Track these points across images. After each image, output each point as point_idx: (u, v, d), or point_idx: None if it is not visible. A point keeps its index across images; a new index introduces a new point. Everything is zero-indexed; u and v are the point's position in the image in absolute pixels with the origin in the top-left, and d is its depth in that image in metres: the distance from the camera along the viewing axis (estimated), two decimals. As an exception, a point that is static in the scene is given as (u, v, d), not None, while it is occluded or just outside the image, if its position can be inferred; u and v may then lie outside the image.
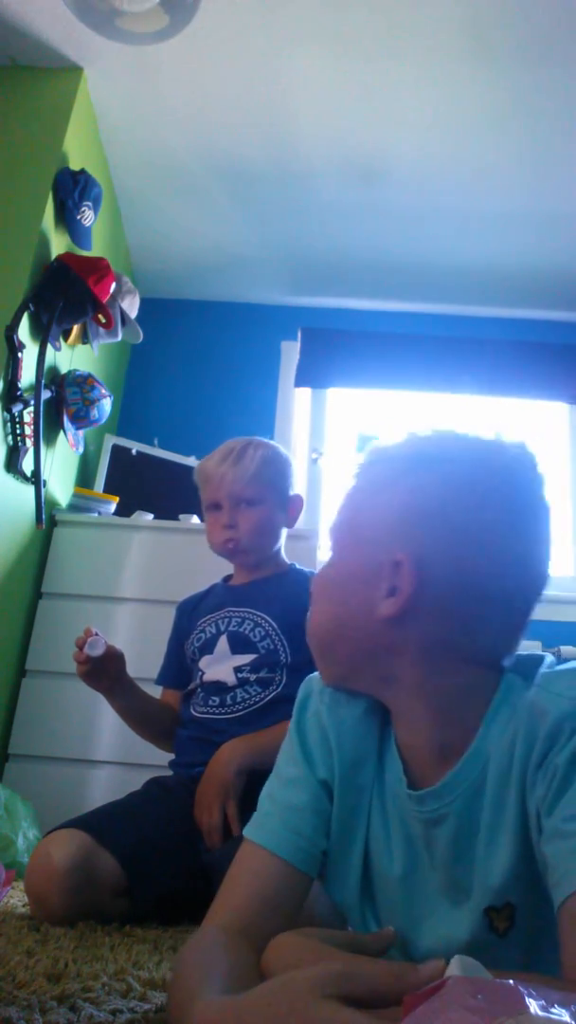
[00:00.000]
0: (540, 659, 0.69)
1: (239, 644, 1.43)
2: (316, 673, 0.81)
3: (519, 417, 3.14)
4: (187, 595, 1.61)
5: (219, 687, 1.40)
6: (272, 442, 1.56)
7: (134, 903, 1.15)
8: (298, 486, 1.55)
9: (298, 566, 1.58)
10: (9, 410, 1.99)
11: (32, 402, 2.04)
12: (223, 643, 1.44)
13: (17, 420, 2.02)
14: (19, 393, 2.00)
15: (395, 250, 2.93)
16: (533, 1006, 0.38)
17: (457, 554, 0.66)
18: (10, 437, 2.02)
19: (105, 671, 1.38)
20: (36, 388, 2.06)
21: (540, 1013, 0.38)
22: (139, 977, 0.77)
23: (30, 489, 2.10)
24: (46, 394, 2.14)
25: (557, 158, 2.47)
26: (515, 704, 0.66)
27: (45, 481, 2.18)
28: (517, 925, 0.64)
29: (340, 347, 3.10)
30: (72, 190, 2.22)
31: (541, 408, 3.14)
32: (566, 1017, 0.38)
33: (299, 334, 3.13)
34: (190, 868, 1.21)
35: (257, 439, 1.54)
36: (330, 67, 2.21)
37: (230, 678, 1.40)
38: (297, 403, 3.16)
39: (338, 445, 3.10)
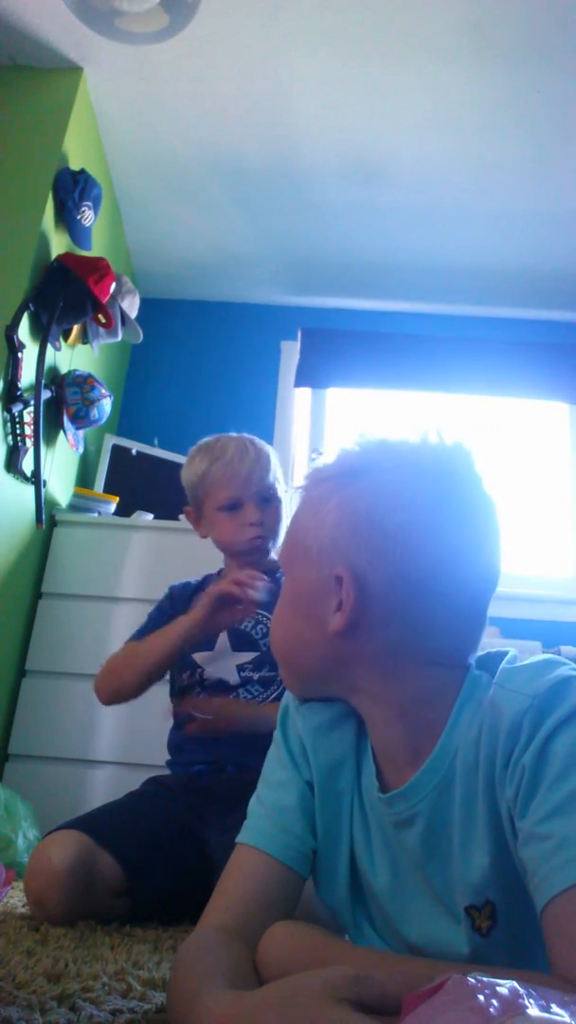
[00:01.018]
0: (503, 655, 0.70)
1: (240, 641, 1.42)
2: None
3: (519, 417, 3.14)
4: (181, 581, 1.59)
5: (221, 686, 1.39)
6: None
7: (134, 903, 1.15)
8: (298, 475, 1.58)
9: None
10: (9, 410, 1.99)
11: (32, 402, 2.04)
12: (223, 640, 1.43)
13: (17, 420, 2.02)
14: (19, 393, 2.00)
15: (395, 250, 2.93)
16: (533, 1006, 0.38)
17: (392, 560, 0.66)
18: (10, 437, 2.02)
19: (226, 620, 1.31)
20: (36, 388, 2.06)
21: (540, 1013, 0.38)
22: (139, 977, 0.77)
23: (30, 489, 2.10)
24: (46, 394, 2.14)
25: (557, 158, 2.47)
26: (480, 701, 0.66)
27: (45, 481, 2.18)
28: (499, 924, 0.63)
29: (340, 347, 3.10)
30: (72, 190, 2.22)
31: (541, 408, 3.14)
32: (566, 1017, 0.38)
33: (299, 334, 3.13)
34: (190, 868, 1.21)
35: (245, 435, 1.53)
36: (330, 67, 2.21)
37: (232, 677, 1.39)
38: (297, 403, 3.16)
39: (338, 445, 3.10)
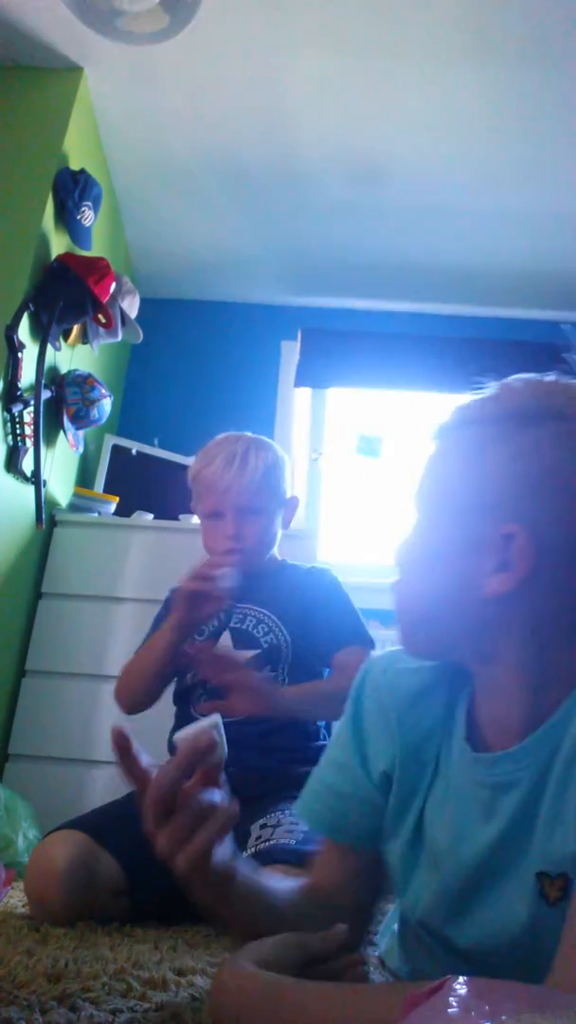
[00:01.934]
0: None
1: (242, 641, 1.43)
2: (376, 655, 0.80)
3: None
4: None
5: (223, 688, 1.39)
6: (268, 440, 1.55)
7: (134, 903, 1.14)
8: (297, 485, 1.57)
9: (291, 561, 1.58)
10: (9, 410, 1.99)
11: (32, 402, 2.04)
12: (224, 639, 1.44)
13: (17, 420, 2.02)
14: (19, 393, 2.00)
15: (395, 250, 2.93)
16: (531, 1009, 0.38)
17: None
18: (10, 437, 2.02)
19: (207, 615, 1.36)
20: (36, 388, 2.06)
21: (538, 1016, 0.38)
22: (139, 977, 0.77)
23: (30, 489, 2.10)
24: (46, 394, 2.14)
25: (557, 158, 2.47)
26: None
27: (45, 481, 2.18)
28: (569, 897, 0.60)
29: (340, 347, 3.10)
30: (72, 190, 2.22)
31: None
32: (563, 1020, 0.38)
33: (299, 334, 3.13)
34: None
35: (254, 439, 1.52)
36: (330, 67, 2.21)
37: None
38: (297, 403, 3.16)
39: (338, 445, 3.10)
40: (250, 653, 1.36)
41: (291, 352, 3.17)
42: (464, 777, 0.68)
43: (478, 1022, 0.37)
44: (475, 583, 0.63)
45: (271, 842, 1.09)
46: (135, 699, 1.42)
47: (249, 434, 1.53)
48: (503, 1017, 0.37)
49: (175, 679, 1.47)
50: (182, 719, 1.44)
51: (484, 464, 0.64)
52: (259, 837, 1.12)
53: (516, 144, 2.43)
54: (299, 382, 3.09)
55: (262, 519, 1.47)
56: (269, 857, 1.04)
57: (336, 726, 0.81)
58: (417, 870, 0.73)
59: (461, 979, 0.42)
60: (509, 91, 2.25)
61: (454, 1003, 0.39)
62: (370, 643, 1.43)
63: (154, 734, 1.50)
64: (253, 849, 1.10)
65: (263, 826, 1.15)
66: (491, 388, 0.68)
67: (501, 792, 0.65)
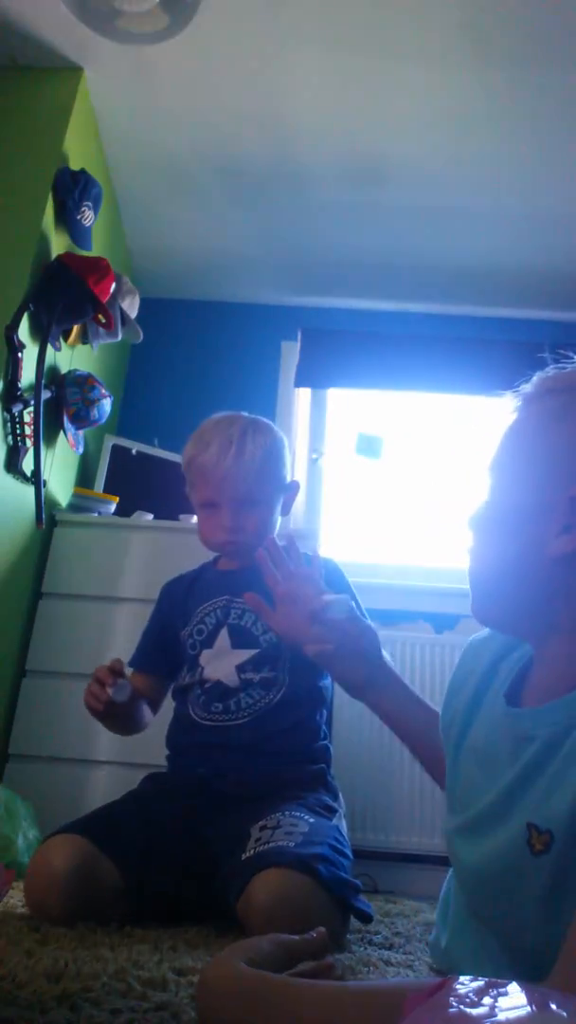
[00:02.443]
0: None
1: (240, 638, 1.38)
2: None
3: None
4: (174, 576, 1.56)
5: (221, 690, 1.35)
6: (265, 421, 1.47)
7: (134, 905, 1.14)
8: (298, 475, 1.53)
9: None
10: (9, 410, 1.99)
11: (32, 402, 2.04)
12: (223, 637, 1.39)
13: (17, 420, 2.02)
14: (19, 393, 2.00)
15: (395, 250, 2.93)
16: (532, 1007, 0.38)
17: None
18: (10, 437, 2.02)
19: (116, 713, 1.29)
20: (36, 388, 2.06)
21: (539, 1013, 0.38)
22: (139, 977, 0.77)
23: (30, 489, 2.10)
24: (46, 394, 2.14)
25: (557, 158, 2.47)
26: None
27: (45, 481, 2.18)
28: (550, 855, 0.64)
29: (340, 347, 3.10)
30: (72, 190, 2.22)
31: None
32: (565, 1016, 0.38)
33: (299, 334, 3.13)
34: (191, 869, 1.20)
35: (251, 420, 1.43)
36: (330, 67, 2.21)
37: (232, 679, 1.35)
38: (297, 403, 3.16)
39: (338, 445, 3.10)
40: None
41: (291, 352, 3.17)
42: (495, 726, 0.75)
43: (478, 1022, 0.37)
44: (542, 545, 0.66)
45: (269, 844, 1.07)
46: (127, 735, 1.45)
47: (245, 415, 1.45)
48: (503, 1017, 0.37)
49: (175, 677, 1.46)
50: (180, 718, 1.43)
51: (559, 432, 0.67)
52: (258, 839, 1.10)
53: (516, 144, 2.43)
54: (299, 382, 3.09)
55: (261, 509, 1.39)
56: (267, 860, 1.03)
57: None
58: (455, 790, 0.81)
59: (461, 979, 0.42)
60: (509, 91, 2.25)
61: (454, 1003, 0.39)
62: None
63: (155, 734, 1.50)
64: (252, 851, 1.08)
65: (262, 827, 1.13)
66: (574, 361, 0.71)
67: (525, 743, 0.69)
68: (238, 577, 1.43)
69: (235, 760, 1.30)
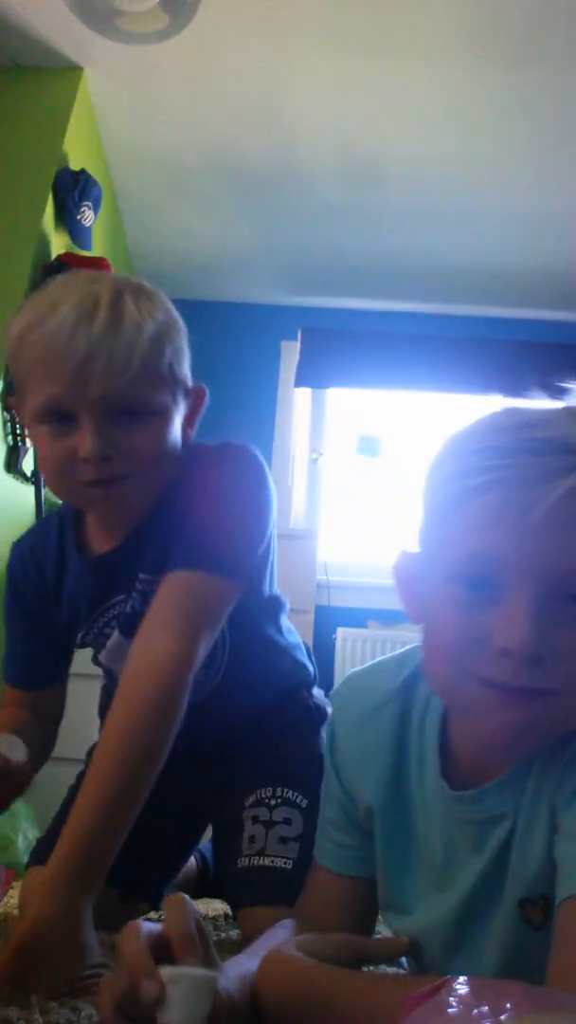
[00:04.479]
0: None
1: (136, 627, 0.90)
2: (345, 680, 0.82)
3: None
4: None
5: None
6: (151, 286, 0.96)
7: (128, 907, 1.11)
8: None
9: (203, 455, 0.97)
10: (9, 410, 1.99)
11: (32, 402, 2.04)
12: (116, 638, 1.01)
13: (17, 420, 2.02)
14: (19, 393, 2.00)
15: (395, 250, 2.93)
16: (531, 1008, 0.38)
17: None
18: (10, 437, 2.02)
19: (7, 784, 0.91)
20: (36, 388, 2.06)
21: (538, 1015, 0.38)
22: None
23: (30, 489, 2.10)
24: (46, 394, 2.14)
25: (557, 158, 2.47)
26: None
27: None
28: (552, 918, 0.61)
29: (340, 347, 3.10)
30: (72, 190, 2.22)
31: (540, 408, 3.14)
32: (563, 1018, 0.38)
33: (299, 334, 3.13)
34: (187, 851, 1.15)
35: (126, 279, 0.93)
36: (330, 67, 2.21)
37: None
38: (297, 403, 3.16)
39: (338, 445, 3.10)
40: None
41: (291, 352, 3.17)
42: (447, 814, 0.67)
43: (478, 1022, 0.37)
44: None
45: (264, 858, 0.97)
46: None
47: (113, 273, 0.95)
48: (503, 1017, 0.37)
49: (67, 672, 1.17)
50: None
51: None
52: (252, 838, 1.00)
53: (516, 144, 2.43)
54: (299, 382, 3.09)
55: (153, 422, 0.88)
56: (258, 891, 0.94)
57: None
58: (400, 889, 0.73)
59: (461, 979, 0.42)
60: (509, 91, 2.25)
61: (454, 1003, 0.39)
62: (219, 568, 0.87)
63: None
64: (247, 861, 0.98)
65: (255, 820, 1.02)
66: None
67: (489, 826, 0.64)
68: (118, 563, 0.96)
69: (203, 731, 0.97)
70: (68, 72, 2.30)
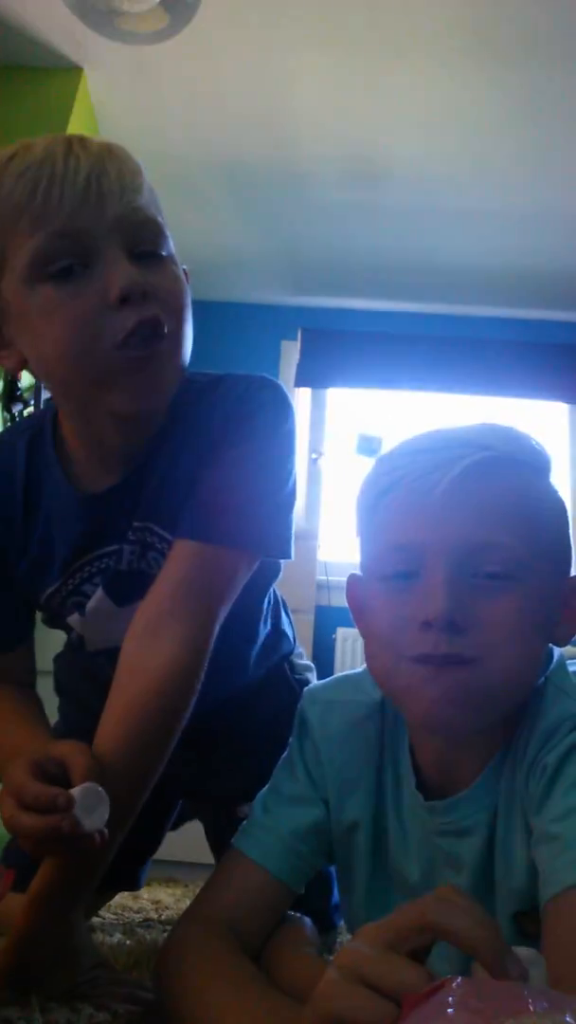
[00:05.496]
0: None
1: (129, 591, 0.81)
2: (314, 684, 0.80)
3: (518, 417, 3.14)
4: None
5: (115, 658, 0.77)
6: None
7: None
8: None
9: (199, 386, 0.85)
10: (9, 410, 1.99)
11: (32, 402, 2.04)
12: (98, 597, 0.84)
13: (17, 420, 2.02)
14: (19, 393, 2.00)
15: (395, 250, 2.93)
16: (534, 1006, 0.38)
17: None
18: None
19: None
20: (36, 388, 2.06)
21: (540, 1014, 0.38)
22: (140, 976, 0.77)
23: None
24: (46, 394, 2.15)
25: (557, 158, 2.47)
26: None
27: (45, 481, 2.18)
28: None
29: (340, 347, 3.10)
30: (72, 190, 2.22)
31: (541, 408, 3.14)
32: (567, 1017, 0.38)
33: (299, 334, 3.13)
34: (161, 831, 1.09)
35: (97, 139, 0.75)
36: (330, 67, 2.21)
37: None
38: (297, 403, 3.16)
39: (338, 445, 3.10)
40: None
41: (291, 352, 3.17)
42: (423, 828, 0.67)
43: (478, 1023, 0.37)
44: (549, 636, 0.65)
45: None
46: None
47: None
48: (503, 1017, 0.37)
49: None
50: (81, 668, 1.00)
51: (562, 508, 0.70)
52: None
53: (516, 144, 2.43)
54: (299, 382, 3.09)
55: (174, 268, 0.77)
56: None
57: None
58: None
59: (461, 979, 0.42)
60: (509, 91, 2.25)
61: (454, 1003, 0.39)
62: (235, 541, 0.76)
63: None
64: None
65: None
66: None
67: (467, 835, 0.64)
68: (116, 508, 0.80)
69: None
70: (68, 72, 2.30)
